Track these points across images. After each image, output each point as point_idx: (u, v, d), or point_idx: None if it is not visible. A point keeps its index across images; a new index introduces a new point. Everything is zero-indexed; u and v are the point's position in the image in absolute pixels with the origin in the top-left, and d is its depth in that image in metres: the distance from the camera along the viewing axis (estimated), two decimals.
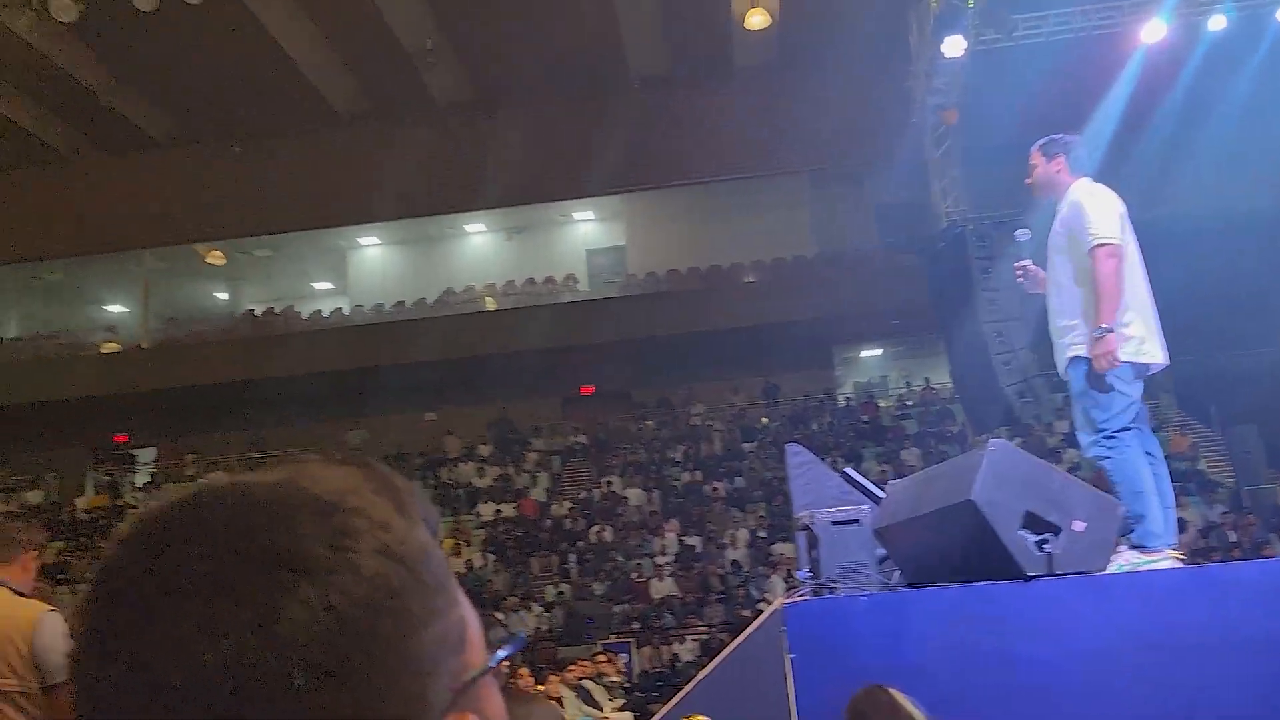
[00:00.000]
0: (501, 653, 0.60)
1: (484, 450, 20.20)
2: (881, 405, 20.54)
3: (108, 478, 21.14)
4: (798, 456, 5.25)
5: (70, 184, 21.10)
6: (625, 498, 18.48)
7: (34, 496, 20.19)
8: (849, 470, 4.98)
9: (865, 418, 19.84)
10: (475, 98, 20.35)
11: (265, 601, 0.49)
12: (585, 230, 23.75)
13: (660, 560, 16.77)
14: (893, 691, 2.60)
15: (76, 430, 20.56)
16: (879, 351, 22.91)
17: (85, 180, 21.08)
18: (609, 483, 18.92)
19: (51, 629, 3.17)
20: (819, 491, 4.84)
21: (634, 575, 16.55)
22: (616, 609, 15.91)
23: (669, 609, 15.74)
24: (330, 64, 19.26)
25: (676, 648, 14.80)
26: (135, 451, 21.84)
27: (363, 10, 16.67)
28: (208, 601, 0.49)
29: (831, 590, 3.84)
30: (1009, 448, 3.57)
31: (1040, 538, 3.29)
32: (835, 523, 3.91)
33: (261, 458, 20.40)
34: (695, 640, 14.85)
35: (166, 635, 0.49)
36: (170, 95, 19.80)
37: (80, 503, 20.13)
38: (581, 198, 21.79)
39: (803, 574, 4.17)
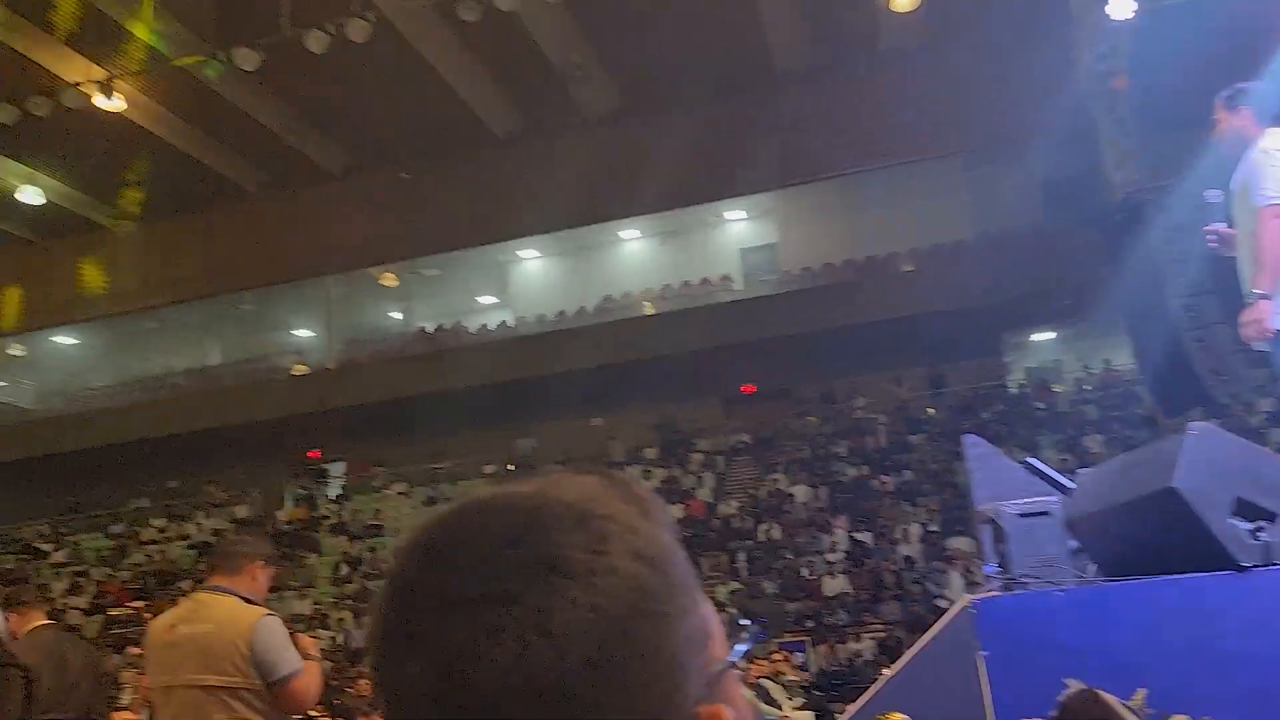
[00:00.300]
0: (742, 646, 0.65)
1: (649, 453, 20.50)
2: (1057, 390, 19.61)
3: (304, 491, 22.64)
4: (976, 447, 5.10)
5: (257, 219, 22.79)
6: (792, 495, 18.36)
7: (241, 511, 21.87)
8: (1032, 460, 4.82)
9: (1040, 404, 19.00)
10: (624, 107, 20.72)
11: (539, 604, 0.54)
12: (738, 230, 23.73)
13: (831, 557, 16.57)
14: (1108, 698, 2.52)
15: (274, 448, 22.10)
16: (1051, 335, 21.85)
17: (271, 215, 22.72)
18: (775, 480, 18.85)
19: (267, 631, 3.44)
20: (1001, 483, 4.69)
21: (805, 573, 16.42)
22: (789, 607, 15.83)
23: (842, 606, 15.54)
24: (485, 88, 20.05)
25: (853, 646, 14.59)
26: (327, 466, 23.33)
27: (513, 34, 17.26)
28: (490, 606, 0.55)
29: (1023, 585, 3.73)
30: (1212, 430, 3.39)
31: (1254, 526, 3.12)
32: (1023, 515, 3.80)
33: (440, 468, 21.43)
34: (872, 638, 14.61)
35: (456, 638, 0.54)
36: (342, 129, 21.11)
37: (281, 515, 21.63)
38: (734, 197, 21.80)
39: (990, 568, 4.08)
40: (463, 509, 0.61)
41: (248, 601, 3.54)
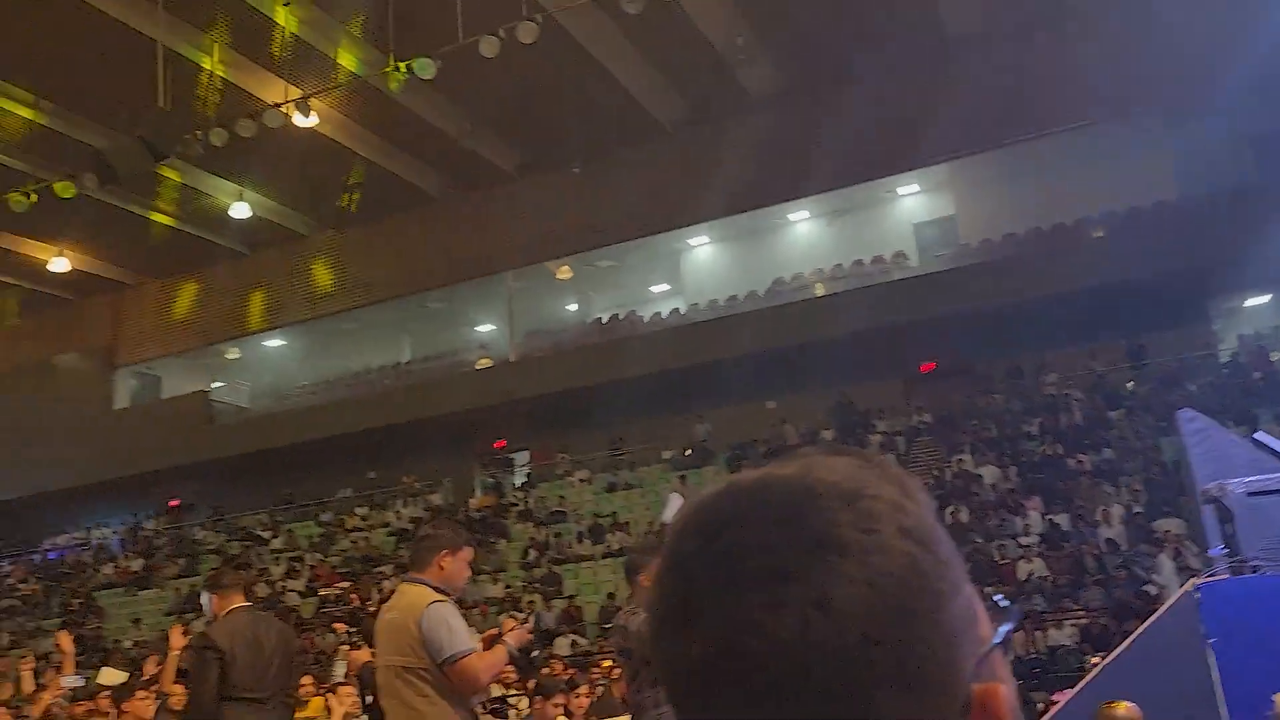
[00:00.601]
0: (1006, 627, 0.64)
1: (826, 435, 20.21)
2: (1276, 359, 18.02)
3: (492, 480, 23.65)
4: (1193, 422, 4.80)
5: (440, 221, 23.97)
6: (979, 475, 17.71)
7: (436, 499, 23.09)
8: (1261, 435, 4.48)
9: (1257, 374, 17.51)
10: (790, 86, 20.47)
11: (818, 580, 0.55)
12: (910, 204, 22.99)
13: (1025, 540, 15.89)
14: None
15: (463, 439, 23.19)
16: (1266, 298, 20.06)
17: (452, 216, 23.85)
18: (960, 461, 18.22)
19: (432, 616, 3.74)
20: (1224, 460, 4.39)
21: (997, 556, 15.82)
22: (982, 592, 15.28)
23: (1039, 591, 14.87)
24: (651, 79, 20.27)
25: (1053, 633, 13.95)
26: (512, 455, 24.28)
27: (676, 23, 17.35)
28: (769, 583, 0.56)
29: (1255, 569, 3.50)
30: None
31: None
32: (1253, 494, 3.55)
33: (620, 454, 21.91)
34: (1074, 625, 13.92)
35: (738, 612, 0.55)
36: (516, 129, 21.85)
37: (472, 503, 22.69)
38: (910, 170, 21.16)
39: (1216, 551, 3.83)
40: (732, 490, 0.62)
41: (436, 590, 3.84)
